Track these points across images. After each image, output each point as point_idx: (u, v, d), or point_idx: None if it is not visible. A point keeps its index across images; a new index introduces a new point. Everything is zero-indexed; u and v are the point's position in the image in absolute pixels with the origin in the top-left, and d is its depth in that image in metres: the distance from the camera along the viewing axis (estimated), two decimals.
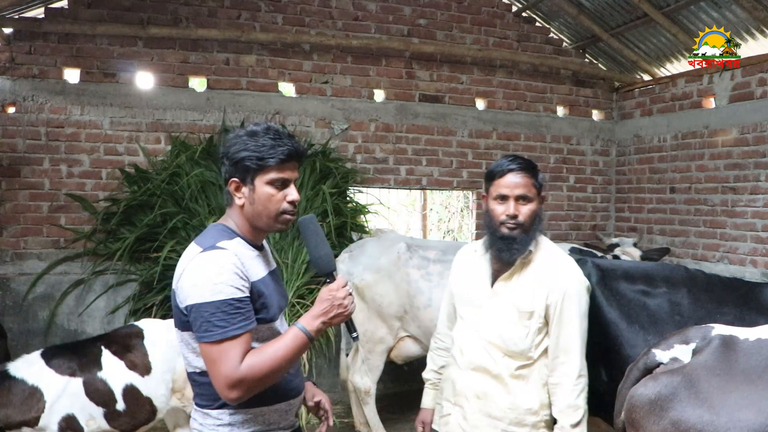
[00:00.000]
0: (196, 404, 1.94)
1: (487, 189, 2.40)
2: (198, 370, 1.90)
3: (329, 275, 1.94)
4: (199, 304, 1.75)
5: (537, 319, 2.30)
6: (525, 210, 2.30)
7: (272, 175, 1.87)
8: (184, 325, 1.87)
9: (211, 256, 1.80)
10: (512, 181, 2.30)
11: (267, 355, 1.78)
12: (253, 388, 1.77)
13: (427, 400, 2.67)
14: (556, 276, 2.30)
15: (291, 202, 1.91)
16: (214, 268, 1.77)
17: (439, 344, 2.67)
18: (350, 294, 1.90)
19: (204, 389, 1.89)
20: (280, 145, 1.86)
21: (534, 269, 2.34)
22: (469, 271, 2.48)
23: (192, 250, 1.87)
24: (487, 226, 2.38)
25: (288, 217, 1.93)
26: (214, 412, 1.89)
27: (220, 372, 1.74)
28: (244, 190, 1.89)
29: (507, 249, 2.30)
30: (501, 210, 2.31)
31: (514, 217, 2.29)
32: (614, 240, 5.89)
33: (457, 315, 2.52)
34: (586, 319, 2.34)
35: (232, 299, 1.76)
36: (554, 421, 2.32)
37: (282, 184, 1.89)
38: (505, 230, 2.30)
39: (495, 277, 2.39)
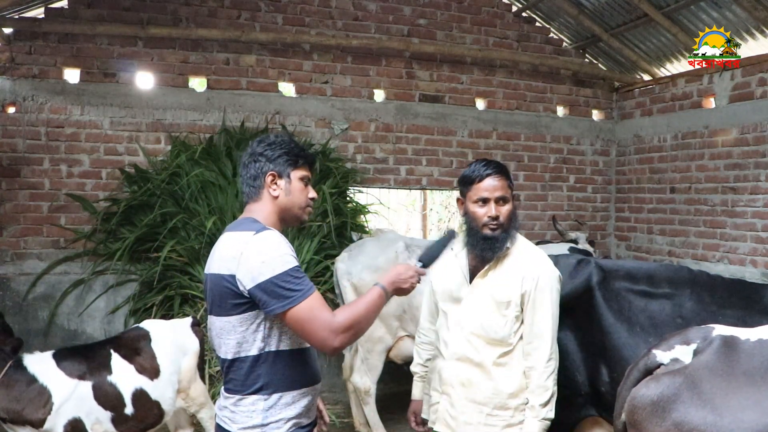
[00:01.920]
0: (228, 390, 2.03)
1: (465, 193, 2.55)
2: (237, 357, 1.98)
3: (424, 267, 2.27)
4: (274, 276, 1.89)
5: (514, 307, 2.45)
6: (504, 210, 2.47)
7: (304, 172, 2.14)
8: (236, 308, 1.96)
9: (268, 234, 1.97)
10: (491, 185, 2.47)
11: (358, 306, 2.00)
12: (353, 335, 1.97)
13: (416, 391, 2.83)
14: (529, 267, 2.47)
15: (312, 199, 2.17)
16: (275, 243, 1.95)
17: (423, 339, 2.80)
18: (418, 274, 2.20)
19: (240, 375, 1.99)
20: (305, 149, 2.17)
21: (509, 263, 2.50)
22: (448, 269, 2.61)
23: (242, 236, 1.98)
24: (468, 227, 2.53)
25: (310, 209, 2.19)
26: (249, 398, 1.98)
27: (319, 325, 1.90)
28: (281, 182, 2.10)
29: (490, 248, 2.47)
30: (483, 212, 2.47)
31: (496, 218, 2.45)
32: (572, 235, 5.94)
33: (439, 311, 2.67)
34: (558, 307, 2.48)
35: (297, 266, 1.95)
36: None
37: (307, 182, 2.16)
38: (488, 231, 2.46)
39: (473, 272, 2.54)
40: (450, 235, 2.42)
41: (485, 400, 2.45)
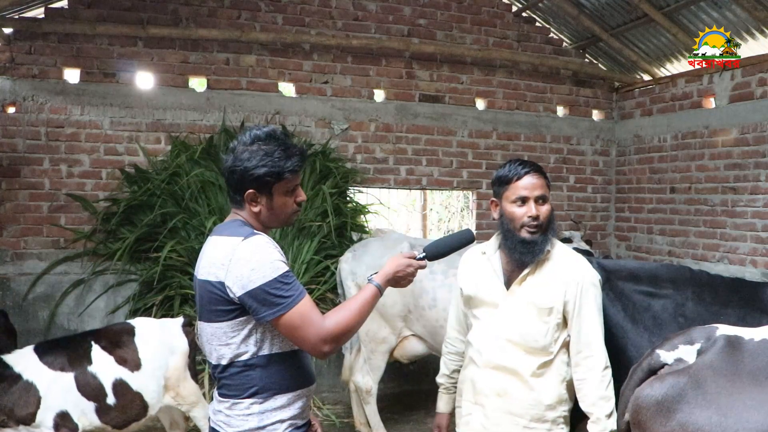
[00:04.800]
0: (222, 395, 2.01)
1: (500, 194, 2.41)
2: (230, 362, 1.96)
3: (426, 258, 2.18)
4: (264, 284, 1.86)
5: (556, 314, 2.32)
6: (544, 210, 2.35)
7: (288, 186, 2.01)
8: (226, 314, 1.93)
9: (256, 240, 1.92)
10: (530, 183, 2.34)
11: (350, 308, 1.97)
12: (343, 339, 1.95)
13: (441, 404, 2.69)
14: (571, 272, 2.34)
15: (299, 203, 2.07)
16: (264, 249, 1.91)
17: (450, 349, 2.67)
18: (416, 269, 2.13)
19: (234, 380, 1.97)
20: (292, 155, 1.99)
21: (549, 267, 2.37)
22: (480, 272, 2.48)
23: (230, 241, 1.94)
24: (505, 229, 2.38)
25: (298, 211, 2.09)
26: (244, 402, 1.96)
27: (309, 332, 1.89)
28: (262, 199, 2.00)
29: (529, 252, 2.33)
30: (522, 212, 2.34)
31: (536, 218, 2.32)
32: (566, 234, 5.93)
33: (470, 317, 2.53)
34: (602, 313, 2.38)
35: (287, 271, 1.91)
36: (573, 417, 2.35)
37: (294, 189, 2.04)
38: (526, 234, 2.33)
39: (509, 276, 2.41)
40: (466, 236, 2.25)
41: (522, 411, 2.32)
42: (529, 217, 2.31)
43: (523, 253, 2.33)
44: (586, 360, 2.29)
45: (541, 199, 2.34)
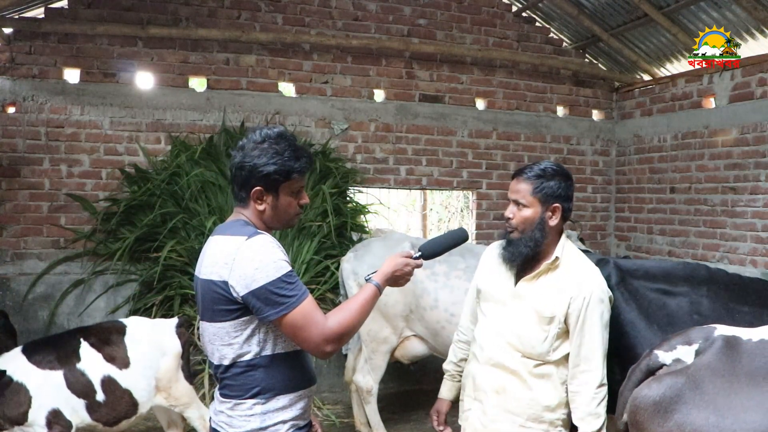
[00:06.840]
0: (225, 396, 2.00)
1: None
2: (232, 362, 1.96)
3: (422, 257, 2.21)
4: (268, 283, 1.87)
5: (556, 324, 2.33)
6: (519, 214, 2.39)
7: (294, 186, 2.04)
8: (229, 314, 1.94)
9: (260, 240, 1.93)
10: (513, 187, 2.43)
11: (351, 308, 1.97)
12: (344, 338, 1.95)
13: (444, 390, 2.71)
14: (579, 284, 2.33)
15: (302, 206, 2.10)
16: (268, 248, 1.91)
17: (461, 337, 2.70)
18: (413, 268, 2.16)
19: (237, 380, 1.97)
20: (301, 156, 2.02)
21: (558, 275, 2.38)
22: (495, 268, 2.52)
23: (233, 241, 1.94)
24: None
25: (299, 216, 2.13)
26: (246, 403, 1.96)
27: (312, 332, 1.89)
28: (268, 198, 2.02)
29: (506, 250, 2.43)
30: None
31: (507, 219, 2.42)
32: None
33: (479, 312, 2.56)
34: (608, 329, 2.38)
35: (290, 271, 1.92)
36: (572, 424, 2.36)
37: (299, 191, 2.08)
38: (507, 233, 2.44)
39: (518, 276, 2.44)
40: (460, 235, 2.30)
41: (519, 410, 2.34)
42: (505, 216, 2.44)
43: (505, 249, 2.44)
44: (582, 374, 2.31)
45: (519, 204, 2.39)
